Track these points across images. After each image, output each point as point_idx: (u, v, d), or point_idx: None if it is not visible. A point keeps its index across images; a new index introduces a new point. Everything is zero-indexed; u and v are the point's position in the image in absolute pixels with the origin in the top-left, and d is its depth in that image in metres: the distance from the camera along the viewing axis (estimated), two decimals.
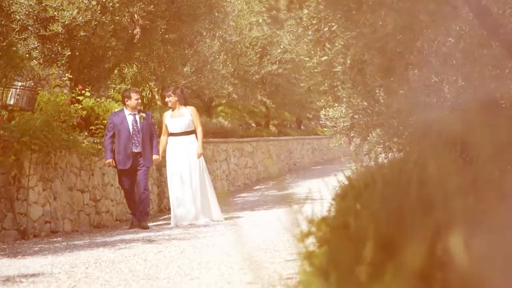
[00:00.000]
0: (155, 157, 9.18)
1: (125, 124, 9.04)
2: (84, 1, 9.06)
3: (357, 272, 1.46)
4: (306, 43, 5.08)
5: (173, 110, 9.35)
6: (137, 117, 9.11)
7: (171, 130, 9.28)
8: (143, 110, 9.53)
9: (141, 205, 9.05)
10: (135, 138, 9.03)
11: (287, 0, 3.14)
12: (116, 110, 9.79)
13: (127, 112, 9.12)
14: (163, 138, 9.41)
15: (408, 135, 5.58)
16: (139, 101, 9.25)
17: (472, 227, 1.33)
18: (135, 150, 9.02)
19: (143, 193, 9.04)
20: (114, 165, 9.01)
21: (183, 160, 9.15)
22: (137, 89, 9.99)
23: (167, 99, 9.41)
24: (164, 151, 9.39)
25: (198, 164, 9.17)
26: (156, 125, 10.06)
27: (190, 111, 9.33)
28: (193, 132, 9.31)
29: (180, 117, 9.27)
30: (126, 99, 9.20)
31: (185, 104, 9.41)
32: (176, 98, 9.28)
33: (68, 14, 8.96)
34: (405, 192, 1.79)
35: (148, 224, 9.17)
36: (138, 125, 9.06)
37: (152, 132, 9.23)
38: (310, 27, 4.46)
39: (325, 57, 4.53)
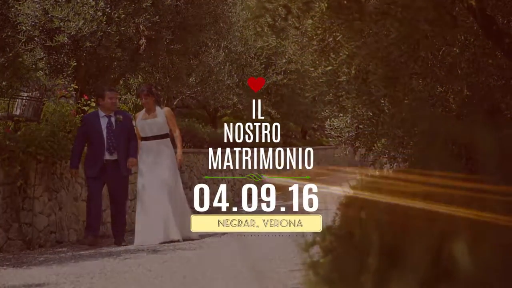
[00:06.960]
0: (130, 159, 7.81)
1: (98, 127, 7.79)
2: (90, 12, 9.11)
3: (362, 281, 1.46)
4: (311, 53, 5.09)
5: (148, 112, 8.10)
6: (113, 119, 7.86)
7: (141, 134, 8.02)
8: (121, 111, 8.56)
9: (116, 219, 7.98)
10: (110, 144, 7.77)
11: (286, 10, 3.16)
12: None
13: (101, 113, 7.88)
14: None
15: (413, 145, 5.58)
16: (114, 100, 7.95)
17: (476, 237, 1.33)
18: (109, 158, 7.77)
19: (119, 207, 7.97)
20: (78, 174, 7.83)
21: (153, 169, 7.92)
22: (113, 87, 8.62)
23: (144, 100, 8.15)
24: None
25: (170, 173, 7.97)
26: None
27: (164, 112, 8.11)
28: (167, 136, 8.10)
29: (152, 119, 8.04)
30: (99, 98, 7.99)
31: (159, 104, 8.23)
32: (154, 98, 8.09)
33: (74, 25, 9.00)
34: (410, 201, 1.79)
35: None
36: (114, 128, 7.83)
37: (130, 137, 7.92)
38: (314, 37, 4.48)
39: (330, 67, 4.54)
